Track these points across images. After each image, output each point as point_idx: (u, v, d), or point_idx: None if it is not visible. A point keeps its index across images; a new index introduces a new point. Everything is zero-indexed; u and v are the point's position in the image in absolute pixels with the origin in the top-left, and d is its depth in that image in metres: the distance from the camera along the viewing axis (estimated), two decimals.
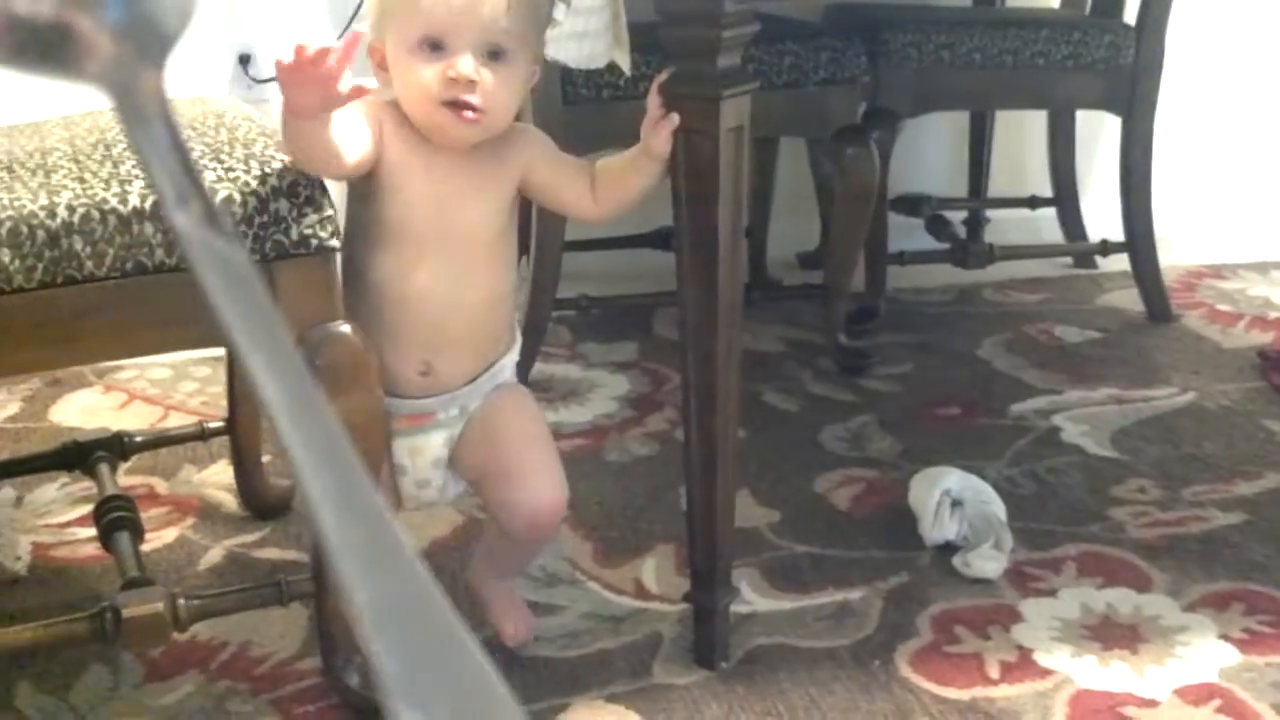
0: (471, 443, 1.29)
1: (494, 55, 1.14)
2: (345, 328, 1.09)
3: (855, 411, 2.05)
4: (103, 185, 1.04)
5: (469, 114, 1.13)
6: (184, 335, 1.08)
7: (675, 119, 1.22)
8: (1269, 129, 2.99)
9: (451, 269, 1.21)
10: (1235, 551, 1.61)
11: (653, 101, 1.24)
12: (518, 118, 1.26)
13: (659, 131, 1.23)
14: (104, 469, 1.51)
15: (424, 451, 1.28)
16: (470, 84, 1.12)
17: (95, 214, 1.01)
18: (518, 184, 1.25)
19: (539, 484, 1.29)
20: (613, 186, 1.28)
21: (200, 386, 2.12)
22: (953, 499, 1.62)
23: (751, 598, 1.52)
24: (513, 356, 1.32)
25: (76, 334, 1.02)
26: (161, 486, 1.79)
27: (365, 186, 1.19)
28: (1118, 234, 2.46)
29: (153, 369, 2.18)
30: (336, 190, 1.18)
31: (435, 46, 1.13)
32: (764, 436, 1.96)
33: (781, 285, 2.56)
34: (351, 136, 1.11)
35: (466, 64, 1.12)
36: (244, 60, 2.48)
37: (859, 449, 1.92)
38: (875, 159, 2.08)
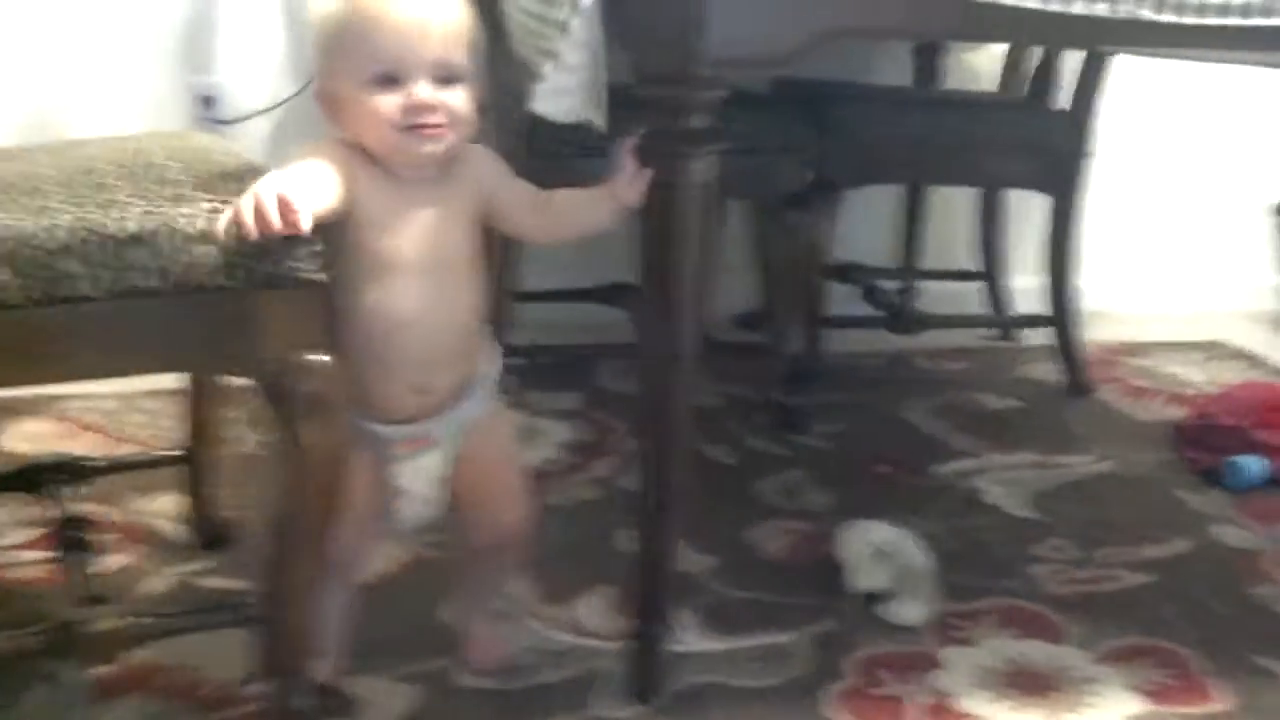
0: (460, 464, 1.36)
1: (446, 81, 1.22)
2: (326, 358, 1.14)
3: (790, 466, 2.12)
4: (99, 210, 1.08)
5: (430, 130, 1.20)
6: (169, 358, 1.12)
7: (649, 174, 1.31)
8: (1186, 215, 3.14)
9: (437, 292, 1.27)
10: (1144, 610, 1.70)
11: (629, 158, 1.32)
12: None
13: (634, 185, 1.31)
14: (64, 491, 1.54)
15: (426, 472, 1.34)
16: (430, 108, 1.20)
17: (93, 238, 1.06)
18: (483, 204, 1.31)
19: (504, 507, 1.42)
20: (568, 216, 1.36)
21: (149, 419, 2.15)
22: (880, 550, 1.70)
23: (687, 638, 1.58)
24: (496, 366, 1.38)
25: (68, 352, 1.07)
26: (110, 514, 1.82)
27: (344, 222, 1.23)
28: (1038, 309, 2.57)
29: (102, 400, 2.21)
30: None
31: (390, 80, 1.20)
32: (702, 488, 2.01)
33: (721, 342, 2.62)
34: (317, 194, 1.15)
35: (424, 90, 1.20)
36: (207, 102, 2.53)
37: (793, 501, 1.99)
38: (819, 226, 2.17)
